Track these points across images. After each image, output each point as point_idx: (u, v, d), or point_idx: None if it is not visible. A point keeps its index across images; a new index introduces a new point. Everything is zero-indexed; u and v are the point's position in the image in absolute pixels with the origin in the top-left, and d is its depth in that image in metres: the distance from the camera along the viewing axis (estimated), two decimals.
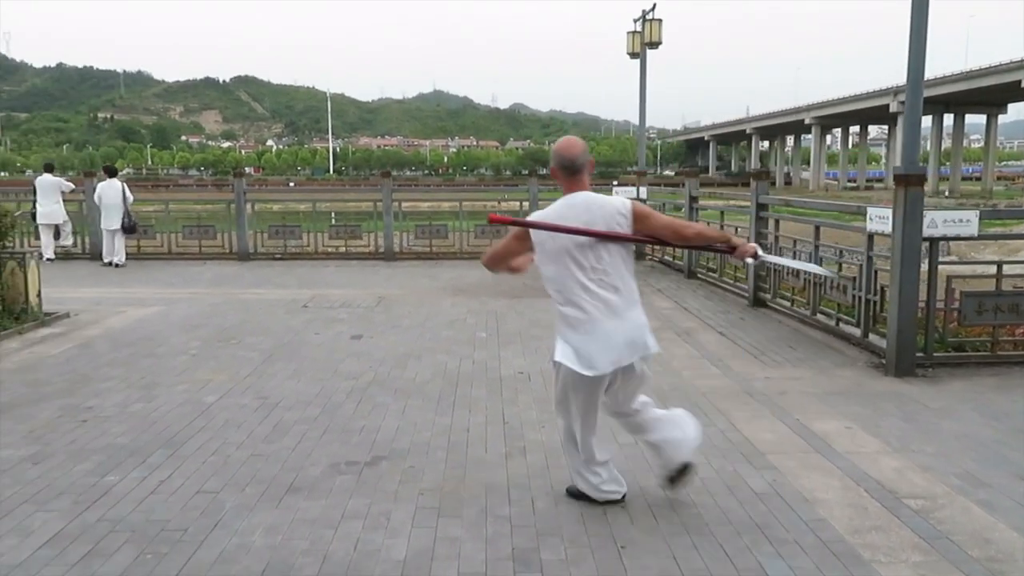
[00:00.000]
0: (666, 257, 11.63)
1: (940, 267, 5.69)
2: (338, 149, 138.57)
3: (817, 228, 7.20)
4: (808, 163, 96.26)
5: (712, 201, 11.36)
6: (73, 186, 12.99)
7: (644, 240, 3.37)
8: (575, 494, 3.45)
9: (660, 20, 15.14)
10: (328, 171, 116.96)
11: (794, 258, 7.51)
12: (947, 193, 62.72)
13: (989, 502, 3.40)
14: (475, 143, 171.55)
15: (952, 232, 5.51)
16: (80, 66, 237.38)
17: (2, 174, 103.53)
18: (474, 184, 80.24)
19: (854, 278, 6.30)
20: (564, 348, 3.20)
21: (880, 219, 5.71)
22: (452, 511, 3.35)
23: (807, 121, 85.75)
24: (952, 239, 5.67)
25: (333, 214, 15.78)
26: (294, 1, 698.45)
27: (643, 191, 13.03)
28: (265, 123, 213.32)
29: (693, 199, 10.74)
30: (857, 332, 6.29)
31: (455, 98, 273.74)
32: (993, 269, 5.80)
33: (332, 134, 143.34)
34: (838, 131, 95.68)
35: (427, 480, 3.69)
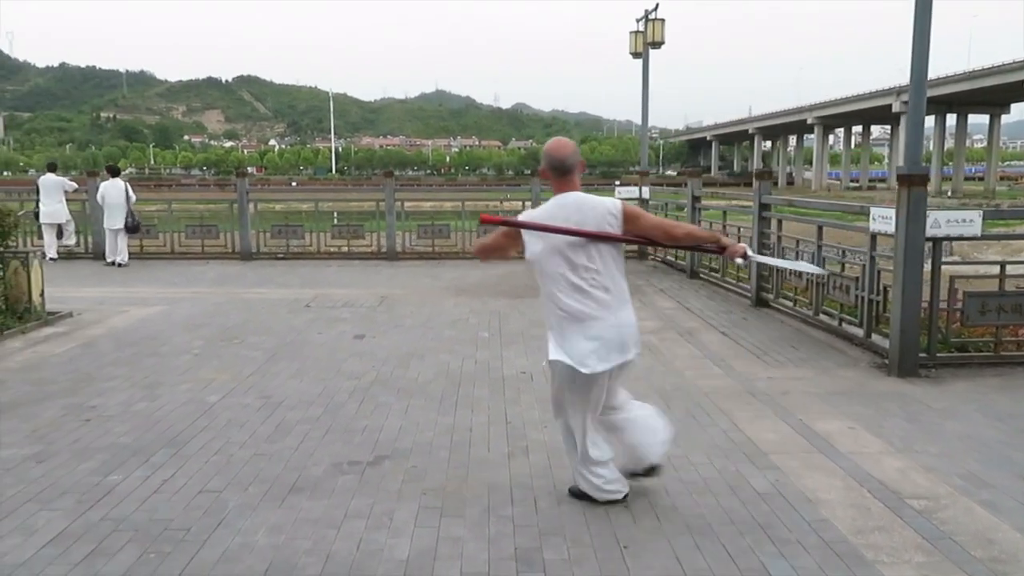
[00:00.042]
0: (668, 257, 11.63)
1: (943, 267, 5.69)
2: (340, 149, 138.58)
3: (820, 228, 7.19)
4: (810, 163, 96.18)
5: (714, 201, 11.35)
6: (76, 186, 13.00)
7: (634, 240, 3.40)
8: (577, 494, 3.44)
9: (663, 20, 15.14)
10: (330, 171, 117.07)
11: (796, 258, 7.50)
12: (950, 193, 62.60)
13: (992, 503, 3.40)
14: (477, 143, 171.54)
15: (955, 232, 5.51)
16: (83, 66, 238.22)
17: (5, 173, 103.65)
18: (476, 184, 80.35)
19: (857, 278, 6.29)
20: (559, 347, 3.22)
21: (883, 219, 5.70)
22: (455, 511, 3.35)
23: (810, 121, 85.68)
24: (955, 239, 5.66)
25: (335, 214, 15.81)
26: (297, 1, 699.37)
27: (646, 191, 13.04)
28: (267, 123, 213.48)
29: (696, 199, 10.73)
30: (860, 332, 6.28)
31: (457, 98, 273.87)
32: (996, 269, 5.79)
33: (334, 134, 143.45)
34: (841, 131, 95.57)
35: (430, 480, 3.70)
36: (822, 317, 6.97)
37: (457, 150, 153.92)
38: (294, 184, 69.93)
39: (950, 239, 5.68)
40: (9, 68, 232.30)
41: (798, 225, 8.08)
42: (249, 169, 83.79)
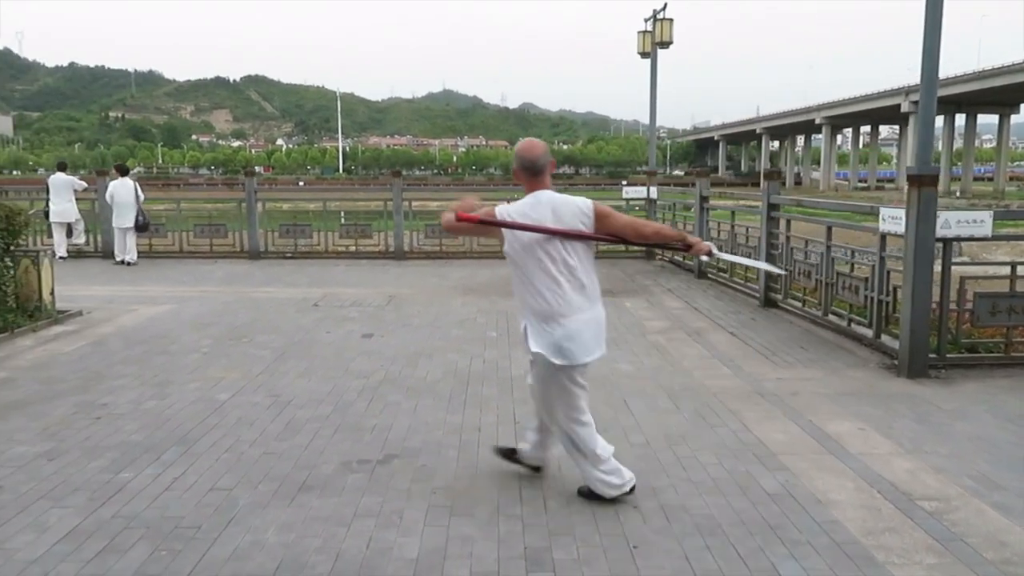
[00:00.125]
0: (676, 257, 11.60)
1: (953, 268, 5.66)
2: (348, 148, 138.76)
3: (829, 228, 7.16)
4: (818, 163, 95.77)
5: (723, 201, 11.31)
6: (86, 185, 13.08)
7: (606, 239, 3.47)
8: (587, 494, 3.45)
9: (671, 20, 15.09)
10: (338, 170, 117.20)
11: (805, 258, 7.49)
12: (959, 193, 62.29)
13: (1004, 504, 3.39)
14: (484, 143, 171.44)
15: (966, 233, 5.48)
16: (92, 65, 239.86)
17: (15, 173, 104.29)
18: (483, 183, 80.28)
19: (866, 279, 6.27)
20: (539, 340, 3.28)
21: (893, 219, 5.68)
22: (464, 510, 3.36)
23: (818, 121, 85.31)
24: (966, 240, 5.63)
25: (343, 213, 15.86)
26: (304, 1, 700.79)
27: (653, 191, 13.02)
28: (275, 122, 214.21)
29: (704, 199, 10.70)
30: (869, 333, 6.26)
31: (464, 97, 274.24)
32: (1007, 270, 5.76)
33: (342, 133, 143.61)
34: (849, 131, 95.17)
35: (439, 479, 3.70)
36: (831, 317, 6.95)
37: (464, 150, 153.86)
38: (301, 184, 70.00)
39: (960, 239, 5.66)
40: (19, 68, 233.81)
41: (807, 225, 8.05)
42: (257, 168, 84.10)
